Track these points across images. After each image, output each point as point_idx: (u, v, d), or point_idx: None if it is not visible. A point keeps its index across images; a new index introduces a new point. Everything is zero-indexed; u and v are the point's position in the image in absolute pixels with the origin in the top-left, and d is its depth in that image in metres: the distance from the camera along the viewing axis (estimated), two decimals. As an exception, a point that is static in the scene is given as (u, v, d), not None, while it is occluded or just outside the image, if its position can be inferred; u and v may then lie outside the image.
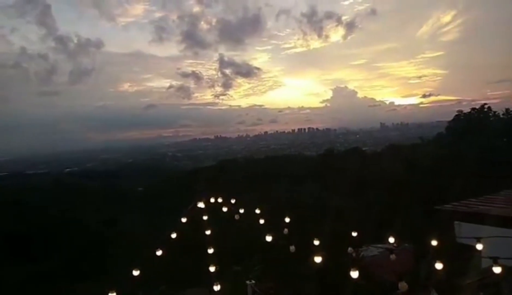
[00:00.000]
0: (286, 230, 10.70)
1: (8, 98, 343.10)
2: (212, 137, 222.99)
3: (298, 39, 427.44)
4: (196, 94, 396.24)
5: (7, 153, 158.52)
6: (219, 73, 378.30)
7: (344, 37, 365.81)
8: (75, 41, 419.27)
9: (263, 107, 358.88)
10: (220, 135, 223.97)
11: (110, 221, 34.09)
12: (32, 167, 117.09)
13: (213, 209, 11.45)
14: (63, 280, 21.19)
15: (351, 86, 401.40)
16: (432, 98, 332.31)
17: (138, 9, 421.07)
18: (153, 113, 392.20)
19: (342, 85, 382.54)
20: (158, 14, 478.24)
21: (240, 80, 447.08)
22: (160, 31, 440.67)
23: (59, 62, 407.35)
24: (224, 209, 11.71)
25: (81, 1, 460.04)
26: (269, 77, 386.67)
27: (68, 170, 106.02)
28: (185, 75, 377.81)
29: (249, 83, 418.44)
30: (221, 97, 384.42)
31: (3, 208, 32.49)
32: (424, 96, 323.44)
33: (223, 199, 11.94)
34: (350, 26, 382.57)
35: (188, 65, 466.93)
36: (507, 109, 41.78)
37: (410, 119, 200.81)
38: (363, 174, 36.58)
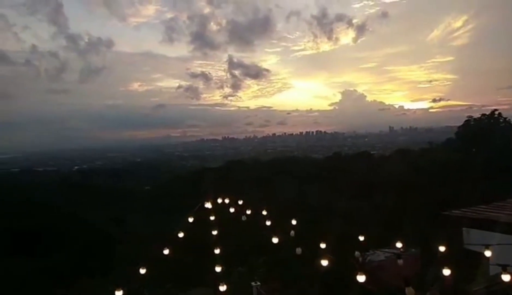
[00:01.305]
0: (292, 232, 10.68)
1: (19, 95, 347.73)
2: (220, 138, 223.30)
3: (308, 41, 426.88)
4: (204, 95, 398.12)
5: (17, 149, 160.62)
6: (228, 74, 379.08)
7: (354, 40, 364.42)
8: (86, 40, 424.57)
9: (271, 109, 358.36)
10: (228, 136, 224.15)
11: (117, 219, 34.32)
12: (41, 164, 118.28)
13: (220, 210, 11.46)
14: (69, 276, 21.34)
15: (360, 89, 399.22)
16: (442, 103, 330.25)
17: (150, 10, 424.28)
18: (162, 113, 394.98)
19: (351, 89, 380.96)
20: (169, 15, 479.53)
21: (249, 81, 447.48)
22: (170, 32, 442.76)
23: (70, 60, 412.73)
24: (231, 210, 11.71)
25: (93, 0, 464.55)
26: (278, 79, 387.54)
27: (77, 167, 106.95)
28: (194, 75, 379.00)
29: (258, 84, 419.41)
30: (229, 98, 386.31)
31: (13, 204, 32.93)
32: (434, 101, 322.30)
33: (230, 199, 11.93)
34: (361, 29, 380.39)
35: (197, 65, 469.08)
36: (517, 116, 41.43)
37: (420, 124, 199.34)
38: (371, 177, 36.41)
